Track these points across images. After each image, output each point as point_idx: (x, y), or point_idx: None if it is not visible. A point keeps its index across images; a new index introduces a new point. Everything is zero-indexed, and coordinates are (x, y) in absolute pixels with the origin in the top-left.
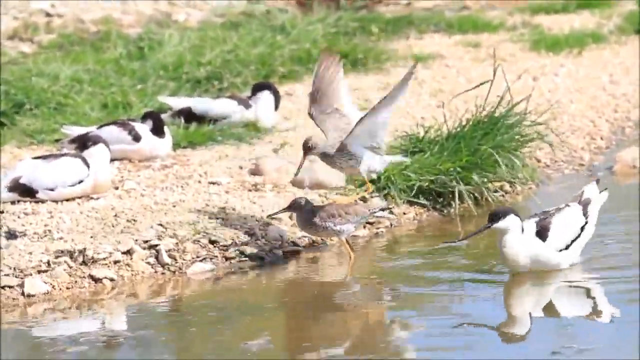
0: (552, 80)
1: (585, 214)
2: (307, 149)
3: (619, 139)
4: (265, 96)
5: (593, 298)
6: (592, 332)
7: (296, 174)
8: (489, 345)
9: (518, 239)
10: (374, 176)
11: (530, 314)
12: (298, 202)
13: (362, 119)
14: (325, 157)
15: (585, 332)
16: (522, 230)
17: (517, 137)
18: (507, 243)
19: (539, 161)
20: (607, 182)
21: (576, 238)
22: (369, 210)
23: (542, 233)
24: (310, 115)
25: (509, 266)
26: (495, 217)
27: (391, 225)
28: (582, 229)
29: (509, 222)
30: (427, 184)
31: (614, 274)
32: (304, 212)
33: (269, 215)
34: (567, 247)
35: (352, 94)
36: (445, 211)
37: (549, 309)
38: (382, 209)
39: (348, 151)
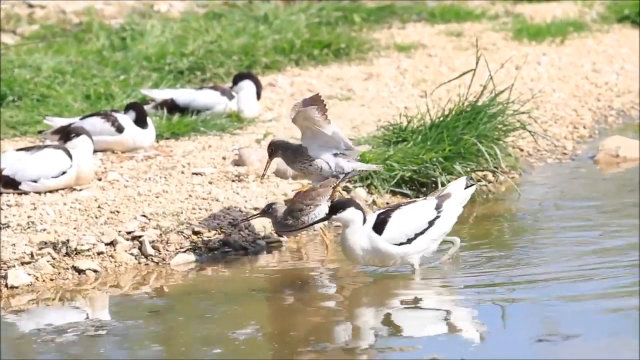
0: (535, 69)
1: (438, 209)
2: (271, 151)
3: (601, 127)
4: (247, 86)
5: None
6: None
7: (263, 176)
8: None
9: (357, 232)
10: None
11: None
12: (271, 208)
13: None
14: (288, 159)
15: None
16: (364, 222)
17: (499, 126)
18: (345, 235)
19: (521, 150)
20: (589, 171)
21: (422, 232)
22: (332, 185)
23: (379, 226)
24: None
25: (348, 259)
26: (334, 208)
27: None
28: (432, 223)
29: (349, 215)
30: (409, 173)
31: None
32: (278, 217)
33: (242, 221)
34: (409, 241)
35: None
36: None
37: None
38: (346, 174)
39: (308, 155)
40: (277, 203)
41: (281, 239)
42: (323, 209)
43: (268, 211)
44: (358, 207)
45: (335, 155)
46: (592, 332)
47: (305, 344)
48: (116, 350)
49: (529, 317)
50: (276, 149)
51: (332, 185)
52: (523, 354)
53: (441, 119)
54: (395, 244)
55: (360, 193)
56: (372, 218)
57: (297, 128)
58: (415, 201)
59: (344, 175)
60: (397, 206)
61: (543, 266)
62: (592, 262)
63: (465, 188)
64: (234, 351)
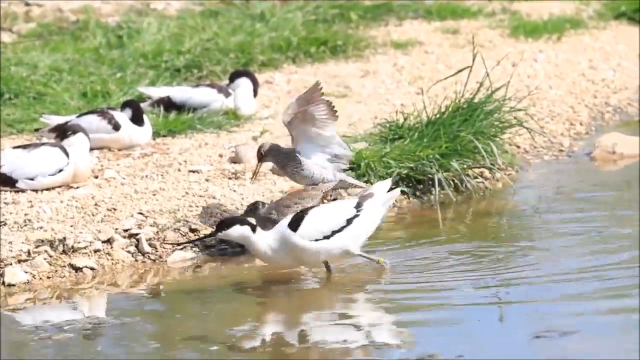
0: (532, 66)
1: (358, 207)
2: (261, 155)
3: (598, 124)
4: (244, 83)
5: None
6: None
7: (252, 181)
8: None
9: (258, 238)
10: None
11: None
12: (256, 206)
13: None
14: (279, 164)
15: None
16: (254, 231)
17: (496, 123)
18: (251, 246)
19: (518, 147)
20: (586, 168)
21: (340, 230)
22: (323, 190)
23: (294, 224)
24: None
25: (266, 262)
26: (219, 226)
27: None
28: (350, 221)
29: (234, 232)
30: (406, 171)
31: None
32: (263, 215)
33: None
34: (326, 237)
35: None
36: (425, 198)
37: None
38: (337, 182)
39: (300, 160)
40: (260, 202)
41: None
42: None
43: (252, 210)
44: (243, 222)
45: (329, 160)
46: (589, 330)
47: (301, 340)
48: (113, 348)
49: (525, 315)
50: (266, 153)
51: (324, 190)
52: (520, 351)
53: (438, 116)
54: (312, 240)
55: (357, 190)
56: (288, 217)
57: (290, 130)
58: (335, 200)
59: (335, 182)
60: (318, 205)
61: (539, 263)
62: (589, 259)
63: (389, 191)
64: (230, 348)
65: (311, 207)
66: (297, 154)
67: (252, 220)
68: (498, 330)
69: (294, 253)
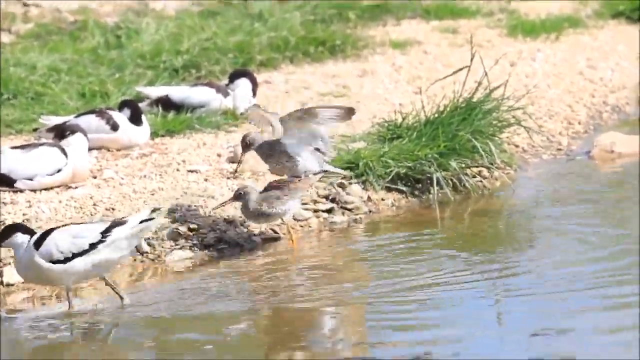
0: (530, 65)
1: (105, 233)
2: (245, 145)
3: (596, 123)
4: (243, 83)
5: None
6: None
7: (235, 171)
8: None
9: (22, 254)
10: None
11: None
12: (243, 192)
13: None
14: (263, 154)
15: None
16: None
17: (494, 122)
18: (17, 257)
19: (516, 146)
20: (584, 167)
21: (82, 253)
22: (310, 182)
23: (38, 242)
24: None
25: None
26: (3, 235)
27: (370, 211)
28: (94, 246)
29: (16, 240)
30: (405, 170)
31: None
32: (250, 202)
33: (214, 208)
34: (66, 260)
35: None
36: (423, 197)
37: None
38: (322, 171)
39: (285, 151)
40: (248, 187)
41: (275, 235)
42: (296, 205)
43: (240, 196)
44: (26, 231)
45: (312, 153)
46: (586, 328)
47: (297, 339)
48: (110, 347)
49: (522, 313)
50: (251, 142)
51: (311, 183)
52: (517, 349)
53: (436, 115)
54: (52, 261)
55: (355, 189)
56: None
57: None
58: (87, 222)
59: (319, 172)
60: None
61: (537, 261)
62: (588, 258)
63: (143, 222)
64: (225, 347)
65: (60, 226)
66: (284, 145)
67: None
68: (495, 328)
69: (37, 272)
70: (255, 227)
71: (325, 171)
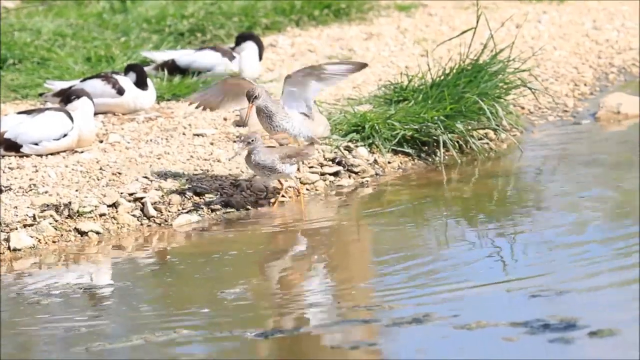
0: (535, 27)
1: None
2: (252, 97)
3: (602, 85)
4: (249, 47)
5: None
6: None
7: (245, 124)
8: None
9: None
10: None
11: None
12: (253, 139)
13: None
14: (264, 112)
15: None
16: None
17: (500, 84)
18: None
19: (522, 108)
20: (590, 128)
21: None
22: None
23: None
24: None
25: None
26: None
27: (376, 174)
28: None
29: None
30: (411, 132)
31: None
32: (260, 151)
33: (230, 158)
34: None
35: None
36: (430, 160)
37: None
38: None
39: (286, 112)
40: (257, 133)
41: (283, 199)
42: (294, 169)
43: (250, 142)
44: None
45: (301, 115)
46: (586, 290)
47: (296, 304)
48: (116, 311)
49: (524, 275)
50: (259, 94)
51: (310, 151)
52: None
53: (442, 77)
54: None
55: (361, 152)
56: None
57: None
58: None
59: (311, 138)
60: None
61: (542, 223)
62: (592, 219)
63: None
64: (223, 309)
65: None
66: (283, 106)
67: None
68: (495, 291)
69: None
70: (261, 192)
71: (311, 137)
